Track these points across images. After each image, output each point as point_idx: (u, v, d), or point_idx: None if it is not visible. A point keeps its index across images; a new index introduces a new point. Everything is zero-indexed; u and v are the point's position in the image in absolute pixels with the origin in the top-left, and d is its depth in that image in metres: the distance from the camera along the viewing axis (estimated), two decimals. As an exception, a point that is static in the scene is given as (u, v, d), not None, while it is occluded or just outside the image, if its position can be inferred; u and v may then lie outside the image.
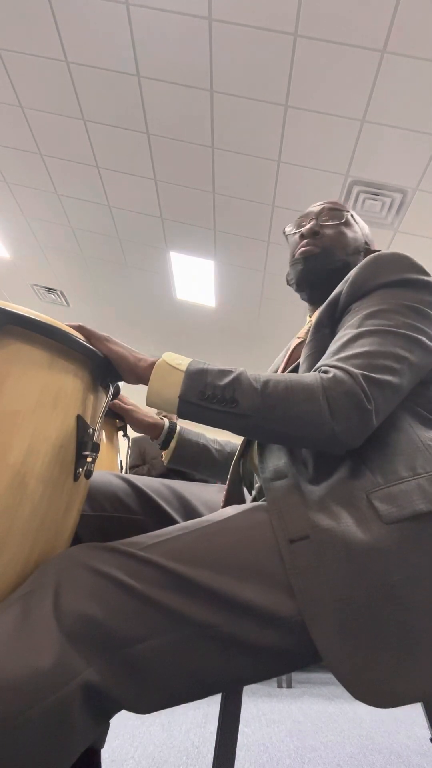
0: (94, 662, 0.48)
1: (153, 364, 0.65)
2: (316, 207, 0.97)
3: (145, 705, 0.51)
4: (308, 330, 0.87)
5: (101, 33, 2.44)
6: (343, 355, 0.66)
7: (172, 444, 0.97)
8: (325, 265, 0.89)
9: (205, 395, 0.61)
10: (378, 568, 0.53)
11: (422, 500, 0.57)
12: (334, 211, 0.95)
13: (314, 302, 0.94)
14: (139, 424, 0.99)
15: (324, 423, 0.60)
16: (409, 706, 1.95)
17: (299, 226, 0.97)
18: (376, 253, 0.76)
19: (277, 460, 0.69)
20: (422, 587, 0.53)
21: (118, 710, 0.52)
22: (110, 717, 0.53)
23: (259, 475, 0.74)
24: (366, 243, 0.95)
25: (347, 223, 0.94)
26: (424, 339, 0.68)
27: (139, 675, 0.50)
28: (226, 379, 0.62)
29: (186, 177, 3.22)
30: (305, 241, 0.91)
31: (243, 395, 0.61)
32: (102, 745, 0.81)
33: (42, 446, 0.56)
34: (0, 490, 0.52)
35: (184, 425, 1.03)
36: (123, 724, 1.53)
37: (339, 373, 0.62)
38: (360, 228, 0.96)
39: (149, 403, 0.65)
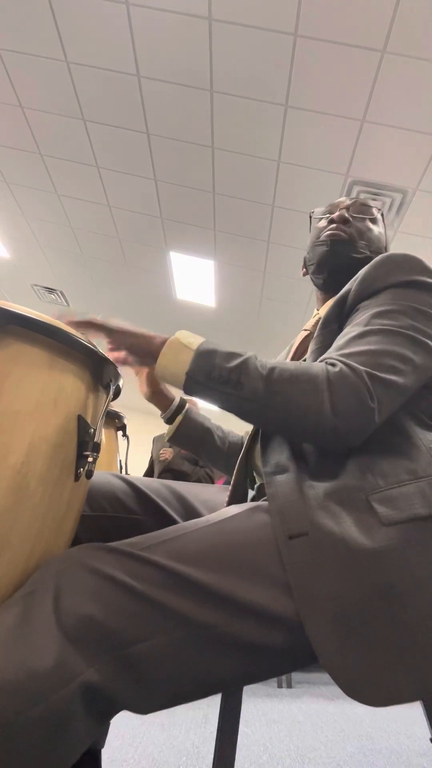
0: (95, 663, 0.48)
1: (166, 340, 0.69)
2: (348, 200, 0.98)
3: (145, 705, 0.51)
4: (316, 323, 0.87)
5: (101, 33, 2.44)
6: (348, 351, 0.66)
7: (178, 419, 0.99)
8: (349, 252, 0.90)
9: (212, 375, 0.63)
10: (375, 567, 0.53)
11: (422, 504, 0.57)
12: (366, 207, 0.96)
13: (327, 290, 0.95)
14: (152, 386, 0.99)
15: (325, 417, 0.60)
16: (409, 706, 1.95)
17: (329, 212, 0.98)
18: (388, 253, 0.76)
19: (279, 454, 0.70)
20: (418, 588, 0.53)
21: (119, 711, 0.52)
22: (110, 717, 0.53)
23: (260, 472, 0.75)
24: (385, 247, 0.97)
25: (375, 221, 0.96)
26: (430, 342, 0.68)
27: (139, 675, 0.50)
28: (234, 362, 0.63)
29: (186, 177, 3.22)
30: (335, 225, 0.92)
31: (248, 379, 0.62)
32: (102, 746, 0.81)
33: (42, 446, 0.56)
34: (0, 491, 0.52)
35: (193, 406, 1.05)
36: (123, 724, 1.52)
37: (344, 368, 0.62)
38: (384, 230, 0.98)
39: (158, 375, 0.68)
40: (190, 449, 1.03)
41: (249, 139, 2.85)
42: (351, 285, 0.77)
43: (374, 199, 3.03)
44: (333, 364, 0.63)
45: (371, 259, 0.89)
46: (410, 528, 0.55)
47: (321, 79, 2.41)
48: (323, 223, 0.96)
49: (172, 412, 1.00)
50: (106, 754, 1.30)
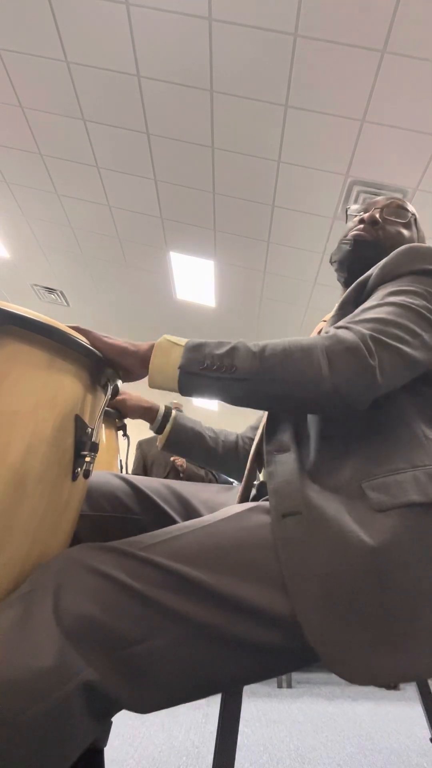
0: (94, 662, 0.48)
1: (153, 345, 0.66)
2: (384, 199, 0.96)
3: (145, 705, 0.51)
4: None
5: (101, 33, 2.44)
6: (355, 319, 0.66)
7: (167, 428, 0.98)
8: (372, 255, 0.87)
9: (205, 364, 0.62)
10: (364, 549, 0.54)
11: (417, 492, 0.58)
12: (400, 209, 0.94)
13: (348, 285, 0.94)
14: (135, 411, 1.00)
15: (323, 378, 0.59)
16: (409, 705, 1.95)
17: (364, 210, 0.97)
18: (412, 244, 0.76)
19: (282, 433, 0.70)
20: (406, 572, 0.54)
21: (118, 710, 0.52)
22: (110, 716, 0.53)
23: (260, 477, 0.75)
24: None
25: (408, 225, 0.94)
26: None
27: (138, 675, 0.50)
28: (225, 348, 0.63)
29: (186, 177, 3.22)
30: (362, 225, 0.91)
31: (241, 360, 0.62)
32: (105, 744, 0.81)
33: (41, 446, 0.56)
34: (-1, 490, 0.52)
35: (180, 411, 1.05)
36: (123, 724, 1.53)
37: (342, 331, 0.62)
38: (418, 234, 0.96)
39: (152, 383, 0.65)
40: (184, 454, 1.02)
41: (249, 139, 2.85)
42: (373, 270, 0.77)
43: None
44: (328, 332, 0.63)
45: None
46: (403, 513, 0.56)
47: (321, 79, 2.41)
48: (355, 220, 0.95)
49: (159, 421, 0.99)
50: (106, 754, 1.29)
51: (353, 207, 0.99)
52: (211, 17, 2.26)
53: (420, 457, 0.62)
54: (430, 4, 2.04)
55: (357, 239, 0.90)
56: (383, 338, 0.62)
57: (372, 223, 0.90)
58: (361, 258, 0.89)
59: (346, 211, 1.00)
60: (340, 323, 0.66)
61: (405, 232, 0.92)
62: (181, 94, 2.68)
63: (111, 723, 0.85)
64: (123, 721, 1.55)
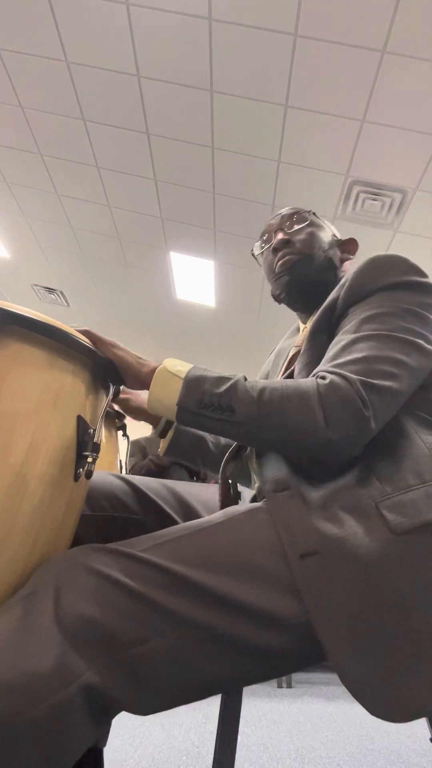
0: (95, 664, 0.48)
1: (155, 369, 0.66)
2: (275, 219, 0.97)
3: (145, 706, 0.51)
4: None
5: (101, 33, 2.44)
6: (340, 360, 0.65)
7: (170, 434, 0.98)
8: (310, 267, 0.89)
9: (203, 403, 0.62)
10: (388, 579, 0.53)
11: (431, 509, 0.57)
12: (296, 215, 0.94)
13: (308, 309, 0.93)
14: (138, 413, 0.99)
15: (318, 431, 0.60)
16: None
17: (266, 242, 0.96)
18: (374, 256, 0.75)
19: (276, 470, 0.68)
20: (428, 594, 0.53)
21: (119, 711, 0.52)
22: (111, 718, 0.53)
23: (256, 481, 0.74)
24: (334, 235, 0.96)
25: (313, 223, 0.94)
26: (422, 342, 0.68)
27: (139, 676, 0.50)
28: (223, 387, 0.63)
29: (186, 177, 3.22)
30: (281, 252, 0.91)
31: (239, 403, 0.62)
32: (104, 745, 0.81)
33: (42, 446, 0.56)
34: (0, 491, 0.52)
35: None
36: (123, 724, 1.52)
37: (336, 378, 0.62)
38: (325, 223, 0.97)
39: (151, 411, 0.66)
40: (186, 459, 1.00)
41: (249, 139, 2.84)
42: (338, 292, 0.76)
43: (374, 199, 3.03)
44: (323, 377, 0.63)
45: (331, 257, 0.90)
46: (421, 534, 0.55)
47: (321, 79, 2.41)
48: (269, 256, 0.94)
49: (163, 425, 0.99)
50: (106, 754, 1.29)
51: (256, 247, 0.99)
52: (211, 17, 2.26)
53: (427, 470, 0.61)
54: (430, 4, 2.04)
55: (286, 264, 0.89)
56: (372, 381, 0.62)
57: (284, 244, 0.91)
58: (303, 276, 0.89)
59: (253, 255, 1.00)
60: (327, 369, 0.65)
61: (315, 230, 0.93)
62: (181, 94, 2.68)
63: (110, 723, 0.85)
64: (123, 721, 1.55)
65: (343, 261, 0.94)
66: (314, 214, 0.96)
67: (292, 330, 1.05)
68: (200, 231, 3.68)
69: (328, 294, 0.80)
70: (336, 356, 0.67)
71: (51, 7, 2.38)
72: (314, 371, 0.67)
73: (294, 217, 0.94)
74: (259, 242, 0.98)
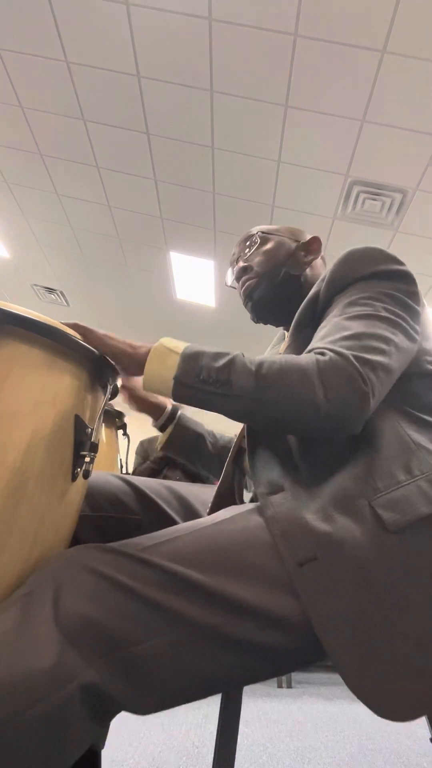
0: (94, 663, 0.48)
1: (150, 347, 0.66)
2: (235, 248, 1.00)
3: (145, 706, 0.51)
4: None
5: (101, 33, 2.44)
6: (332, 338, 0.66)
7: (169, 429, 0.97)
8: (269, 286, 0.91)
9: (201, 377, 0.61)
10: (388, 579, 0.53)
11: (424, 503, 0.57)
12: (248, 240, 0.97)
13: (285, 322, 0.95)
14: (141, 403, 0.98)
15: (319, 406, 0.59)
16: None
17: (232, 274, 0.99)
18: (351, 249, 0.76)
19: (269, 471, 0.68)
20: (428, 589, 0.53)
21: (118, 711, 0.52)
22: (110, 718, 0.53)
23: (251, 482, 0.74)
24: (296, 240, 0.96)
25: (264, 241, 0.96)
26: (404, 324, 0.69)
27: (139, 676, 0.50)
28: (222, 361, 0.62)
29: (186, 177, 3.22)
30: (242, 280, 0.94)
31: (237, 377, 0.61)
32: (102, 746, 0.81)
33: (40, 446, 0.56)
34: (-1, 491, 0.52)
35: (185, 411, 1.03)
36: (123, 724, 1.52)
37: (333, 355, 0.62)
38: (278, 232, 0.98)
39: (146, 387, 0.65)
40: (184, 457, 1.01)
41: (249, 139, 2.84)
42: (319, 286, 0.77)
43: (374, 199, 3.03)
44: (322, 353, 0.63)
45: (291, 265, 0.92)
46: (417, 530, 0.55)
47: (321, 79, 2.40)
48: (237, 285, 0.98)
49: (164, 420, 0.99)
50: (106, 754, 1.29)
51: (229, 282, 1.01)
52: (211, 17, 2.26)
53: (416, 465, 0.61)
54: (430, 4, 2.04)
55: (247, 291, 0.93)
56: (366, 356, 0.61)
57: (243, 271, 0.94)
58: (266, 296, 0.92)
59: (228, 285, 1.03)
60: (323, 345, 0.65)
61: (268, 247, 0.95)
62: (181, 94, 2.68)
63: (109, 724, 0.84)
64: (123, 721, 1.55)
65: (307, 264, 0.95)
66: (263, 232, 0.97)
67: (278, 337, 1.06)
68: (200, 231, 3.68)
69: (301, 301, 0.81)
70: (327, 335, 0.67)
71: (51, 7, 2.37)
72: (309, 347, 0.67)
73: (247, 242, 0.97)
74: (230, 277, 1.01)
